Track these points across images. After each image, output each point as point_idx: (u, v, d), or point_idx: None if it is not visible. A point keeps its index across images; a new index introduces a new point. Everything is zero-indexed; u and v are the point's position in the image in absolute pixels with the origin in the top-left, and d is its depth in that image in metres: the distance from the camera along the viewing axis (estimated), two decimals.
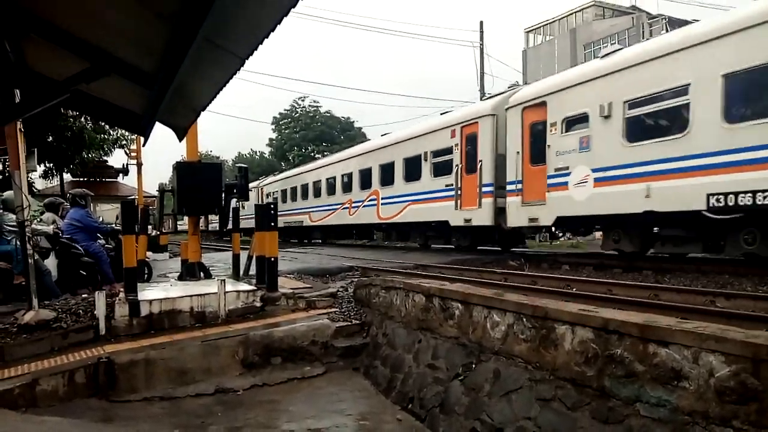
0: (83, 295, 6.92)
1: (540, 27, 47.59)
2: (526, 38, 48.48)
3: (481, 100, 23.74)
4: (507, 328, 4.24)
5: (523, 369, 3.98)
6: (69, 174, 23.49)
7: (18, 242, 6.05)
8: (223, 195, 8.64)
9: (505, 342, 4.25)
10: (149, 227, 13.01)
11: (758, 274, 7.57)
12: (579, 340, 3.53)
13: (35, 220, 7.79)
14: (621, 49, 10.34)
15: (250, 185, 30.93)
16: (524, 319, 4.06)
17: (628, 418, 3.09)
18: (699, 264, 8.91)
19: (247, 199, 10.04)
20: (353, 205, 19.22)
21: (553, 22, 46.20)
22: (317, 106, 56.87)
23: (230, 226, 9.40)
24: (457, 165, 13.57)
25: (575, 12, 44.26)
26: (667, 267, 8.95)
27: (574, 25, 44.09)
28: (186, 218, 9.29)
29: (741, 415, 2.58)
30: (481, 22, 28.58)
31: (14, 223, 6.38)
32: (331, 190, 21.38)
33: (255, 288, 6.97)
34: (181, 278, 8.61)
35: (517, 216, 11.70)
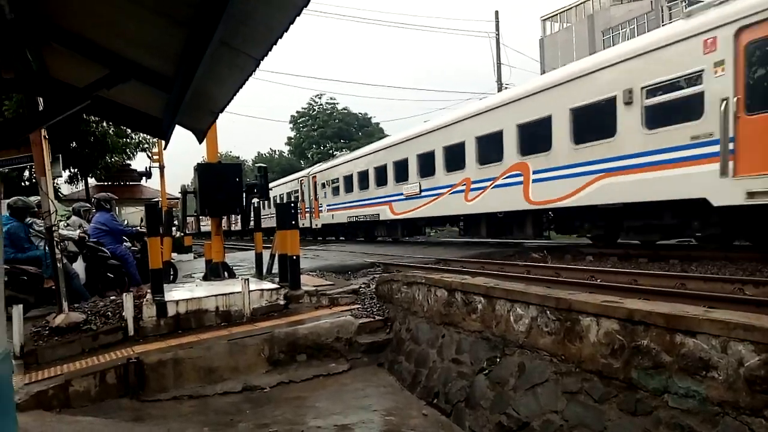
0: (111, 297, 7.08)
1: (557, 14, 46.98)
2: (543, 26, 47.91)
3: (498, 92, 22.96)
4: (531, 321, 4.21)
5: (548, 362, 3.95)
6: (93, 178, 23.90)
7: (47, 247, 6.21)
8: (244, 195, 8.74)
9: (529, 335, 4.22)
10: (173, 229, 13.22)
11: None
12: (604, 332, 3.50)
13: (62, 225, 7.96)
14: None
15: (295, 176, 30.59)
16: (548, 312, 4.03)
17: (657, 409, 3.05)
18: (726, 251, 8.71)
19: (267, 198, 10.02)
20: (472, 187, 13.57)
21: (570, 8, 45.61)
22: (334, 104, 57.23)
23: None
24: (723, 99, 7.61)
25: None
26: (694, 255, 8.77)
27: (591, 11, 43.42)
28: (209, 219, 9.41)
29: None
30: (497, 12, 28.32)
31: (42, 228, 6.54)
32: (426, 171, 15.77)
33: (278, 286, 7.04)
34: (205, 278, 8.75)
35: None
